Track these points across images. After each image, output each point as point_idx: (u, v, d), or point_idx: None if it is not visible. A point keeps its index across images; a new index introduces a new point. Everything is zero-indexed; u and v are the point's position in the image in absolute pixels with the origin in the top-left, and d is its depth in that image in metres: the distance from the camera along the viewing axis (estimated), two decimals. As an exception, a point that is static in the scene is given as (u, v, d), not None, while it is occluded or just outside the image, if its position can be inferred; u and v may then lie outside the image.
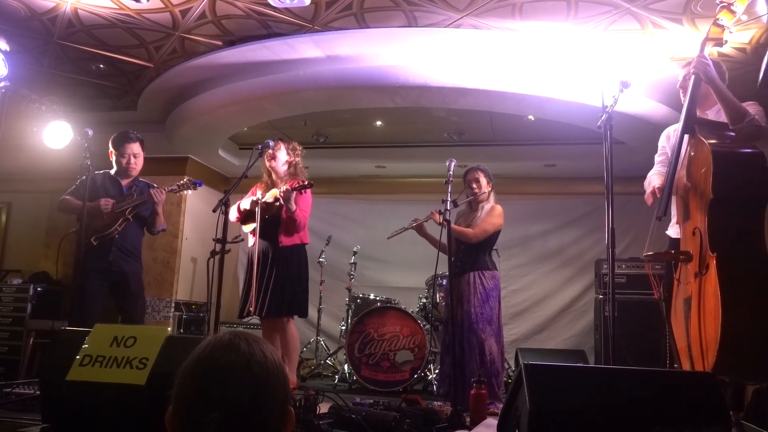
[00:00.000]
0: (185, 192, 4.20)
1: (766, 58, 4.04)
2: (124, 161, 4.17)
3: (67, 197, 4.13)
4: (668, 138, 3.44)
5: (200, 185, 4.22)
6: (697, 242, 2.72)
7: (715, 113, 3.16)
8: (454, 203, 4.25)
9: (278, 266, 4.06)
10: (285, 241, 4.10)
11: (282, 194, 3.94)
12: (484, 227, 4.18)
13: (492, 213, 4.21)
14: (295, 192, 3.96)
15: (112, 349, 2.55)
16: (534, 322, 6.95)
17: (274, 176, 4.25)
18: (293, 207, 3.98)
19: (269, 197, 4.08)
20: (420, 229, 4.37)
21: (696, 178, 2.84)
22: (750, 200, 2.72)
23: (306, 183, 3.94)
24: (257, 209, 4.02)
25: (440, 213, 3.59)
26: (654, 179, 3.23)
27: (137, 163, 4.22)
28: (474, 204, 4.31)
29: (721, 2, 3.05)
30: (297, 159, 4.26)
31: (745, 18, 3.65)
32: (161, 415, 1.12)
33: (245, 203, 4.19)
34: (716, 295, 2.49)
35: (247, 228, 4.25)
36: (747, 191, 2.72)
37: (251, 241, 4.22)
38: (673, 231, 3.25)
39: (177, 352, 2.46)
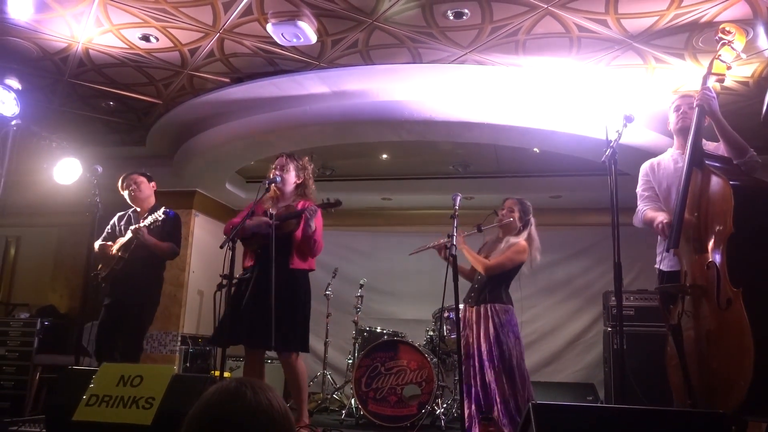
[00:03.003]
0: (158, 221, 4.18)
1: (769, 92, 4.07)
2: (129, 193, 4.44)
3: (98, 242, 4.42)
4: (653, 170, 3.44)
5: (171, 215, 4.21)
6: (713, 276, 2.69)
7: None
8: (478, 228, 4.14)
9: (286, 292, 3.64)
10: (298, 263, 3.75)
11: (307, 213, 3.61)
12: (501, 262, 3.95)
13: (514, 249, 3.97)
14: (318, 210, 3.65)
15: (118, 389, 2.55)
16: (542, 354, 6.88)
17: (279, 192, 3.93)
18: (314, 227, 3.66)
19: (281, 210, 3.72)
20: (443, 253, 4.13)
21: (709, 212, 2.82)
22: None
23: (334, 201, 3.64)
24: (272, 231, 3.61)
25: (446, 248, 3.55)
26: (654, 215, 3.20)
27: (142, 190, 4.45)
28: (501, 233, 4.18)
29: (721, 39, 3.10)
30: (307, 180, 3.98)
31: (744, 56, 3.69)
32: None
33: (254, 225, 3.72)
34: (746, 332, 2.43)
35: (247, 245, 3.86)
36: (767, 224, 2.71)
37: (248, 261, 3.87)
38: (666, 264, 3.21)
39: (183, 391, 2.47)
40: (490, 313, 3.94)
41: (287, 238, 3.74)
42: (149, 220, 4.15)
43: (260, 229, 3.72)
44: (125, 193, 4.48)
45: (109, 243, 4.35)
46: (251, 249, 3.85)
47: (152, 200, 4.52)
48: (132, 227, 4.19)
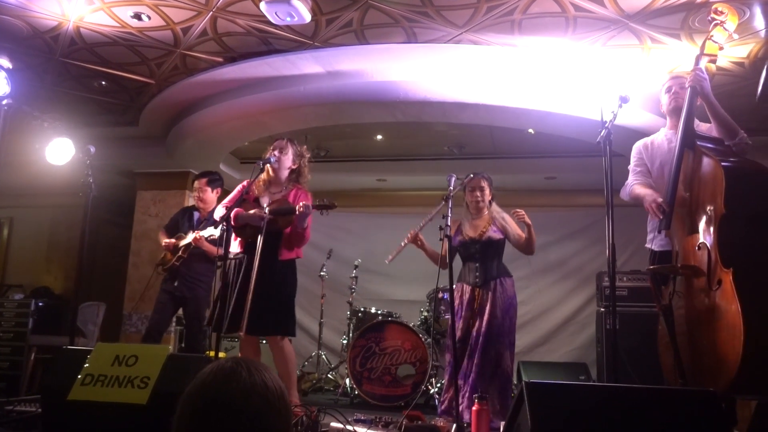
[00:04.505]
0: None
1: (765, 73, 4.07)
2: (193, 197, 4.84)
3: (164, 238, 4.81)
4: (646, 149, 3.43)
5: None
6: (704, 257, 2.70)
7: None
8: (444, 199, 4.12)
9: (275, 281, 3.71)
10: (286, 254, 3.78)
11: (301, 209, 3.54)
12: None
13: (512, 220, 4.17)
14: (313, 210, 3.60)
15: (113, 368, 2.55)
16: (536, 334, 6.94)
17: (273, 175, 3.86)
18: (305, 224, 3.66)
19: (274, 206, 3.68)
20: (417, 243, 4.31)
21: (700, 193, 2.83)
22: (761, 214, 2.71)
23: (328, 203, 3.56)
24: (263, 223, 3.60)
25: (441, 229, 3.58)
26: (644, 191, 3.20)
27: (203, 198, 4.76)
28: (476, 212, 4.24)
29: (714, 20, 3.09)
30: (302, 167, 3.93)
31: (737, 37, 3.67)
32: (163, 438, 1.13)
33: (247, 217, 3.72)
34: (736, 312, 2.45)
35: (239, 233, 3.80)
36: (758, 205, 2.72)
37: (237, 247, 3.82)
38: (657, 244, 3.22)
39: (178, 371, 2.47)
40: (503, 287, 4.08)
41: (277, 232, 3.73)
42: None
43: (252, 221, 3.70)
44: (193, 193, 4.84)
45: (181, 236, 4.66)
46: (242, 238, 3.80)
47: (214, 204, 4.75)
48: (193, 236, 4.47)
